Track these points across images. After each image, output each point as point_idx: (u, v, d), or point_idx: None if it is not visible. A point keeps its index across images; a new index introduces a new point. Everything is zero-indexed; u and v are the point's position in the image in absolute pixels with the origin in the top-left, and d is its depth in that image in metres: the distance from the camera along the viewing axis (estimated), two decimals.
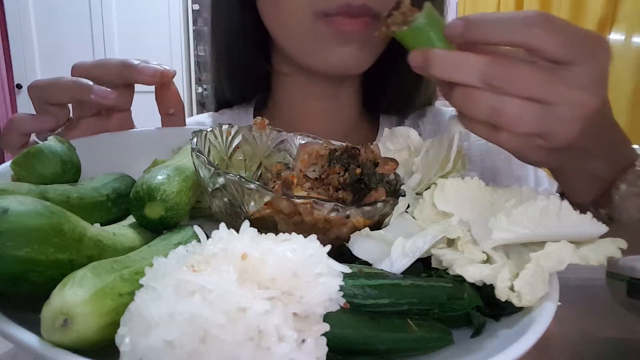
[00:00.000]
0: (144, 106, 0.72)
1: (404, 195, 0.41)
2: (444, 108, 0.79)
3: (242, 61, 0.72)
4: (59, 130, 0.53)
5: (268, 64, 0.73)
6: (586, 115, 0.37)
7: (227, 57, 0.73)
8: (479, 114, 0.38)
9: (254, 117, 0.74)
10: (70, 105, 0.53)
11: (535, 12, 0.36)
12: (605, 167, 0.46)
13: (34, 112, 0.52)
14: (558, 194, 0.51)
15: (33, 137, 0.53)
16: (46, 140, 0.42)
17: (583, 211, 0.47)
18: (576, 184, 0.48)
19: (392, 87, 0.72)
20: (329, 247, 0.28)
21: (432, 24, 0.39)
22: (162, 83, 0.53)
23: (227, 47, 0.72)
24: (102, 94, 0.49)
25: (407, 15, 0.41)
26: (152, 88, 0.54)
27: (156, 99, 0.56)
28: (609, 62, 0.38)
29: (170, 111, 0.56)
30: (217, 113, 0.79)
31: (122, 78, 0.51)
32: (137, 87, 0.54)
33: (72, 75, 0.51)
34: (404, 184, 0.43)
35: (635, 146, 0.49)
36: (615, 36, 2.33)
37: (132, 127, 0.57)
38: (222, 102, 0.79)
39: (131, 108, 0.56)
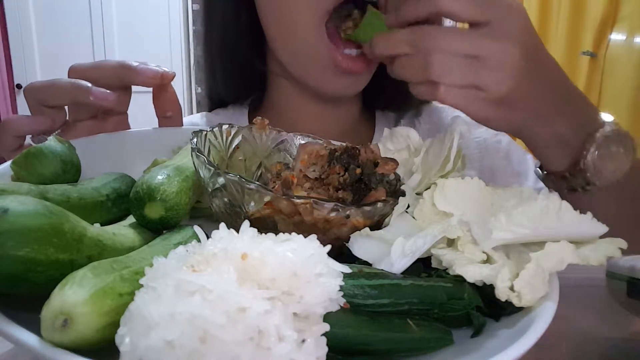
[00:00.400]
0: (143, 106, 0.72)
1: (404, 195, 0.41)
2: (441, 106, 0.79)
3: (237, 61, 0.71)
4: (55, 133, 0.52)
5: (263, 64, 0.72)
6: (511, 62, 0.42)
7: (221, 57, 0.72)
8: (414, 75, 0.44)
9: (249, 117, 0.76)
10: (66, 108, 0.52)
11: None
12: (570, 132, 0.48)
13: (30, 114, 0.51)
14: (536, 169, 0.54)
15: (28, 140, 0.52)
16: (42, 142, 0.41)
17: (561, 180, 0.50)
18: (546, 151, 0.50)
19: (390, 84, 0.72)
20: (329, 247, 0.28)
21: (375, 21, 0.51)
22: (161, 85, 0.52)
23: (222, 46, 0.71)
24: (102, 96, 0.48)
25: (357, 21, 0.55)
26: (150, 88, 0.54)
27: (153, 101, 0.55)
28: (523, 16, 0.44)
29: (168, 114, 0.55)
30: (212, 113, 0.79)
31: (120, 80, 0.51)
32: (135, 87, 0.54)
33: (69, 76, 0.50)
34: (404, 184, 0.43)
35: (604, 114, 0.50)
36: (616, 36, 2.32)
37: (128, 129, 0.56)
38: (216, 101, 0.79)
39: (128, 110, 0.56)
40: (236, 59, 0.71)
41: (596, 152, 0.47)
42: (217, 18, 0.70)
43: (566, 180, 0.50)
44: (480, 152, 0.73)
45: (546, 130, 0.48)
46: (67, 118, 0.53)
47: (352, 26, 0.56)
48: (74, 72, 0.51)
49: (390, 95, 0.74)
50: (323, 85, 0.64)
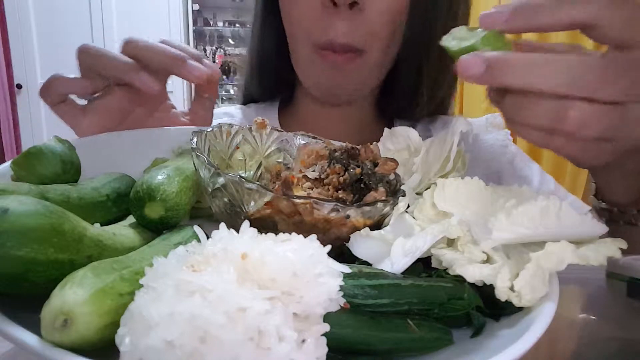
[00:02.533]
0: None
1: (404, 195, 0.41)
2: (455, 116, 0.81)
3: (270, 66, 0.77)
4: (97, 95, 0.54)
5: (290, 69, 0.76)
6: None
7: (258, 61, 0.78)
8: (537, 120, 0.33)
9: (279, 113, 0.81)
10: None
11: None
12: None
13: (52, 95, 0.54)
14: (591, 191, 0.50)
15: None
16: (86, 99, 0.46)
17: (621, 213, 0.46)
18: (621, 182, 0.45)
19: (402, 93, 0.75)
20: (329, 247, 0.28)
21: (496, 43, 0.34)
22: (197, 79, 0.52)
23: (259, 51, 0.77)
24: (149, 83, 0.49)
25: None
26: None
27: (196, 85, 0.58)
28: None
29: (206, 95, 0.59)
30: (245, 106, 0.85)
31: (169, 70, 0.51)
32: None
33: (122, 50, 0.51)
34: (404, 184, 0.43)
35: None
36: None
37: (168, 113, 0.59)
38: (248, 98, 0.85)
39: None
40: (268, 62, 0.76)
41: None
42: (258, 25, 0.76)
43: (629, 213, 0.45)
44: (489, 156, 0.74)
45: (620, 165, 0.42)
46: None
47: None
48: (128, 45, 0.51)
49: (402, 104, 0.76)
50: (315, 85, 0.69)
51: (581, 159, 0.36)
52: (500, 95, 0.35)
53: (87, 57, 0.52)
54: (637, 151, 0.39)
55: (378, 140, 0.73)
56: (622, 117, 0.32)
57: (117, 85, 0.53)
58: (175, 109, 0.61)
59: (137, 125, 0.55)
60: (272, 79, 0.78)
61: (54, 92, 0.53)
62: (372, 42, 0.63)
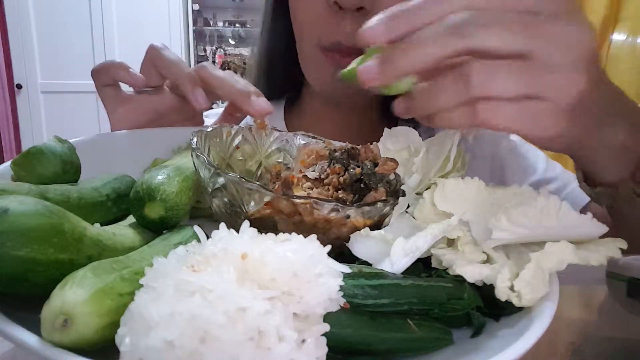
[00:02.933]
0: None
1: (404, 195, 0.41)
2: None
3: (278, 66, 0.78)
4: (148, 89, 0.57)
5: (298, 69, 0.77)
6: (585, 49, 0.31)
7: (267, 60, 0.79)
8: (445, 98, 0.32)
9: (285, 112, 0.82)
10: None
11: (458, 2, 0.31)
12: (631, 133, 0.40)
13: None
14: (578, 180, 0.47)
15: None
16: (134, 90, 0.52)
17: (618, 192, 0.43)
18: (604, 161, 0.43)
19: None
20: (329, 247, 0.28)
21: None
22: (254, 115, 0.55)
23: (267, 51, 0.78)
24: (199, 100, 0.53)
25: None
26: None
27: (230, 106, 0.60)
28: (582, 30, 0.31)
29: (238, 114, 0.61)
30: None
31: (234, 101, 0.54)
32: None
33: (198, 71, 0.54)
34: (404, 184, 0.43)
35: None
36: (618, 36, 2.32)
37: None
38: None
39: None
40: (276, 62, 0.77)
41: None
42: (266, 25, 0.77)
43: (630, 188, 0.43)
44: (490, 150, 0.74)
45: (607, 140, 0.40)
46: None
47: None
48: (203, 70, 0.54)
49: None
50: (322, 86, 0.69)
51: (525, 129, 0.33)
52: (408, 101, 0.34)
53: (157, 53, 0.55)
54: (610, 116, 0.38)
55: None
56: (531, 67, 0.30)
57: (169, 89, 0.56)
58: (204, 123, 0.64)
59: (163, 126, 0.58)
60: (280, 79, 0.79)
61: (108, 76, 0.56)
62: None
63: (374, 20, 0.32)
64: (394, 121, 0.79)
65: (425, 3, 0.31)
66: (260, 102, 0.53)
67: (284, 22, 0.71)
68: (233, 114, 0.61)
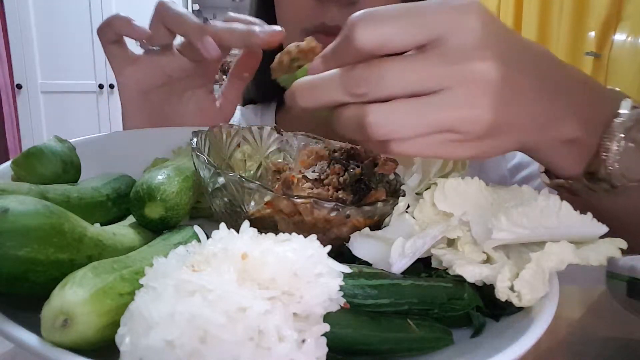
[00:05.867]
0: None
1: (404, 195, 0.41)
2: None
3: (269, 59, 0.76)
4: (156, 48, 0.56)
5: None
6: (483, 86, 0.30)
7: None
8: (355, 135, 0.32)
9: (276, 114, 0.82)
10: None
11: (351, 18, 0.31)
12: (582, 128, 0.38)
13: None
14: (539, 172, 0.45)
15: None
16: (149, 51, 0.51)
17: (577, 185, 0.41)
18: (556, 159, 0.40)
19: None
20: (329, 247, 0.28)
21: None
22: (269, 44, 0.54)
23: None
24: (209, 48, 0.51)
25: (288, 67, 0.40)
26: None
27: (239, 60, 0.60)
28: (478, 14, 0.30)
29: (245, 75, 0.60)
30: (244, 107, 0.86)
31: (243, 42, 0.53)
32: None
33: (207, 30, 0.53)
34: (404, 184, 0.43)
35: (627, 101, 0.40)
36: (620, 36, 2.32)
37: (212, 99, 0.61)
38: (246, 99, 0.86)
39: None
40: (264, 64, 0.76)
41: (617, 146, 0.38)
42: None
43: (584, 184, 0.41)
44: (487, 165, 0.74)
45: (550, 138, 0.38)
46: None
47: (277, 65, 0.40)
48: (208, 28, 0.52)
49: None
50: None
51: (438, 155, 0.34)
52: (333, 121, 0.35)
53: (164, 7, 0.54)
54: (558, 119, 0.36)
55: None
56: (436, 105, 0.30)
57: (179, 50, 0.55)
58: (213, 93, 0.62)
59: (173, 94, 0.57)
60: (270, 82, 0.79)
61: (113, 31, 0.54)
62: None
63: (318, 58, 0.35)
64: None
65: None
66: (265, 30, 0.52)
67: (269, 18, 0.71)
68: (239, 76, 0.60)
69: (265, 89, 0.81)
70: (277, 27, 0.52)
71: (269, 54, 0.73)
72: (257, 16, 0.75)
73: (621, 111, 0.38)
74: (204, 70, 0.58)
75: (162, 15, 0.54)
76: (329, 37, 0.60)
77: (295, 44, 0.39)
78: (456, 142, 0.32)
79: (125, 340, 0.23)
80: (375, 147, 0.33)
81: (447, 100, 0.30)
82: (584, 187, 0.41)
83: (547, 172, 0.44)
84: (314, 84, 0.33)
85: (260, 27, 0.52)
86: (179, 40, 0.56)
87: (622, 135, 0.38)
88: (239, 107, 0.86)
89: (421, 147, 0.32)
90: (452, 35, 0.30)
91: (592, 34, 2.27)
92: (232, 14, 0.56)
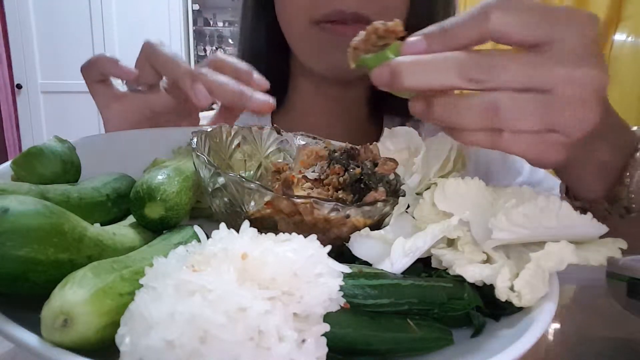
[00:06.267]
0: None
1: (404, 195, 0.41)
2: None
3: (264, 62, 0.75)
4: (140, 87, 0.55)
5: (287, 66, 0.77)
6: (598, 90, 0.32)
7: (251, 58, 0.76)
8: (471, 121, 0.33)
9: (271, 115, 0.80)
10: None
11: (488, 2, 0.32)
12: (613, 153, 0.42)
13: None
14: (560, 192, 0.49)
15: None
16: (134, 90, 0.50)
17: (595, 208, 0.44)
18: (587, 178, 0.44)
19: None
20: (329, 247, 0.28)
21: (396, 54, 0.35)
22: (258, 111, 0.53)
23: (251, 49, 0.76)
24: (200, 96, 0.49)
25: (369, 38, 0.37)
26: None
27: (222, 109, 0.60)
28: (593, 30, 0.33)
29: (222, 121, 0.58)
30: None
31: (232, 102, 0.51)
32: None
33: (198, 77, 0.51)
34: (404, 184, 0.43)
35: (634, 128, 0.45)
36: (620, 36, 2.31)
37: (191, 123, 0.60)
38: None
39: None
40: (263, 61, 0.75)
41: (638, 175, 0.42)
42: (248, 22, 0.76)
43: (604, 207, 0.44)
44: (476, 148, 0.74)
45: (588, 154, 0.41)
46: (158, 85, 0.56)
47: (362, 44, 0.37)
48: (202, 76, 0.50)
49: (395, 103, 0.76)
50: (321, 64, 0.67)
51: (538, 157, 0.34)
52: (426, 106, 0.34)
53: (151, 48, 0.53)
54: (597, 138, 0.39)
55: (369, 138, 0.74)
56: (552, 103, 0.32)
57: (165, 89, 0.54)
58: (198, 122, 0.62)
59: (158, 125, 0.56)
60: (266, 76, 0.78)
61: (98, 70, 0.54)
62: (385, 15, 0.61)
63: (415, 36, 0.34)
64: (379, 114, 0.79)
65: (461, 21, 0.33)
66: (261, 98, 0.51)
67: (265, 18, 0.70)
68: (231, 110, 0.60)
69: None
70: (268, 98, 0.51)
71: (265, 45, 0.72)
72: (252, 32, 0.74)
73: None
74: (190, 106, 0.56)
75: (150, 57, 0.53)
76: (347, 26, 0.60)
77: (380, 22, 0.36)
78: (555, 143, 0.33)
79: (125, 340, 0.23)
80: (485, 139, 0.33)
81: (562, 100, 0.31)
82: (603, 211, 0.44)
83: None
84: (428, 63, 0.32)
85: (251, 92, 0.50)
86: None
87: None
88: None
89: (528, 144, 0.33)
90: (569, 40, 0.32)
91: None
92: (220, 55, 0.54)
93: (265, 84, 0.53)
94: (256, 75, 0.53)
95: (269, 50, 0.74)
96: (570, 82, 0.31)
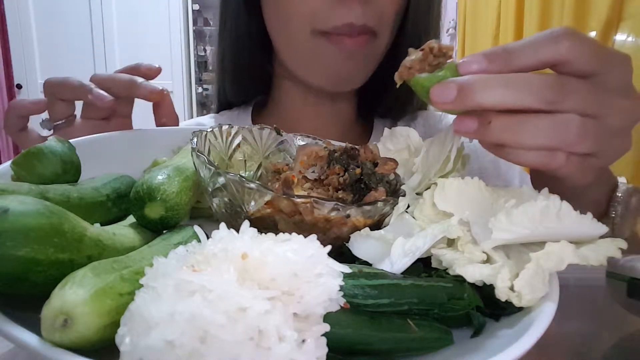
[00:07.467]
0: (144, 108, 0.73)
1: (404, 195, 0.41)
2: (437, 113, 0.82)
3: (247, 63, 0.74)
4: (60, 122, 0.57)
5: (270, 67, 0.75)
6: (634, 122, 0.35)
7: (232, 59, 0.75)
8: (535, 141, 0.33)
9: (252, 118, 0.79)
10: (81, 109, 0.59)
11: (560, 28, 0.34)
12: (601, 190, 0.48)
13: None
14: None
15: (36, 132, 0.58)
16: (46, 127, 0.53)
17: None
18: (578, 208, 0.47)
19: (387, 96, 0.75)
20: (329, 247, 0.28)
21: (452, 75, 0.35)
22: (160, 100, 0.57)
23: (233, 50, 0.74)
24: (100, 96, 0.54)
25: (424, 60, 0.37)
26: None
27: (153, 112, 0.60)
28: (631, 67, 0.36)
29: (162, 120, 0.59)
30: (218, 114, 0.83)
31: (127, 91, 0.55)
32: None
33: (91, 84, 0.56)
34: (404, 184, 0.43)
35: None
36: (621, 36, 2.31)
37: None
38: (223, 103, 0.82)
39: (134, 113, 0.61)
40: (245, 62, 0.74)
41: (622, 210, 0.48)
42: (229, 23, 0.73)
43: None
44: (472, 154, 0.74)
45: (584, 191, 0.43)
46: (77, 116, 0.59)
47: (418, 63, 0.36)
48: (92, 78, 0.56)
49: (387, 106, 0.76)
50: (322, 77, 0.66)
51: (574, 177, 0.36)
52: (479, 125, 0.34)
53: (49, 85, 0.56)
54: (598, 177, 0.41)
55: (359, 141, 0.74)
56: (604, 129, 0.34)
57: (84, 118, 0.58)
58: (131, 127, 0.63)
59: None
60: (248, 82, 0.77)
61: (14, 117, 0.56)
62: (382, 25, 0.62)
63: (472, 56, 0.34)
64: (369, 120, 0.79)
65: (521, 48, 0.34)
66: (150, 85, 0.55)
67: (252, 18, 0.69)
68: (161, 120, 0.60)
69: (242, 89, 0.78)
70: (157, 87, 0.55)
71: (250, 46, 0.71)
72: (235, 32, 0.72)
73: (621, 184, 0.49)
74: (121, 110, 0.59)
75: (56, 92, 0.56)
76: (354, 38, 0.60)
77: (434, 41, 0.37)
78: (590, 166, 0.36)
79: (125, 340, 0.23)
80: (539, 160, 0.34)
81: (612, 127, 0.34)
82: None
83: None
84: (504, 82, 0.32)
85: (141, 80, 0.55)
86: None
87: (624, 199, 0.47)
88: (212, 116, 0.83)
89: (576, 165, 0.35)
90: (616, 74, 0.35)
91: (594, 33, 2.25)
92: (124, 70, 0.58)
93: (157, 69, 0.57)
94: (144, 65, 0.57)
95: (252, 54, 0.73)
96: (620, 111, 0.34)
